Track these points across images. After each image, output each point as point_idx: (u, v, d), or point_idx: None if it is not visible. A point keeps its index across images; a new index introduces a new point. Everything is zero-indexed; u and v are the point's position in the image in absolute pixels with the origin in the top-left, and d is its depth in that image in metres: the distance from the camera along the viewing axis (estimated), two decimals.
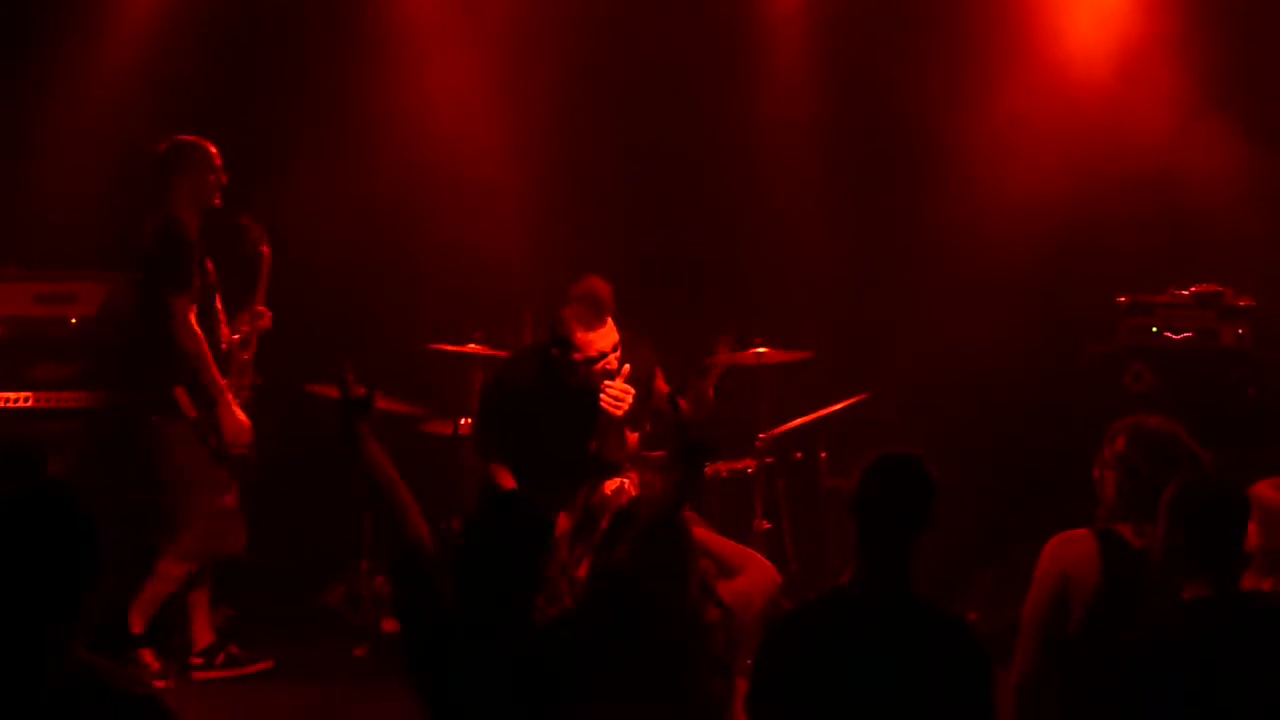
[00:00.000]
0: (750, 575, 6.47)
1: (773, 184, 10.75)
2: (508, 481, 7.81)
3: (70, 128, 10.10)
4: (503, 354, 9.13)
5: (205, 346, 8.31)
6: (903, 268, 10.48)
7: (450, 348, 9.24)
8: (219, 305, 8.54)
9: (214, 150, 8.57)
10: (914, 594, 4.94)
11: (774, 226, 10.71)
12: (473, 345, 9.22)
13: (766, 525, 9.04)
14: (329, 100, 10.51)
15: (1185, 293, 9.25)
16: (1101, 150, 10.15)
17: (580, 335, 7.71)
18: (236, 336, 8.64)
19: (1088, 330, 9.52)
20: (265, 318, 8.73)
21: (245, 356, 8.65)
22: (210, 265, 8.53)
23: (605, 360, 7.74)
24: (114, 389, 9.17)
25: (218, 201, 8.53)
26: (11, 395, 9.11)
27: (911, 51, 10.47)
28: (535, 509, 5.24)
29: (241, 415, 8.42)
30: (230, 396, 8.39)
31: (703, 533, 7.51)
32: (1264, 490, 6.05)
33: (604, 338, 7.73)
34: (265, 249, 8.68)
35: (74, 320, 9.25)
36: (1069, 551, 5.66)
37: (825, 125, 10.67)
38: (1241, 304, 9.22)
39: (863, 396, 9.20)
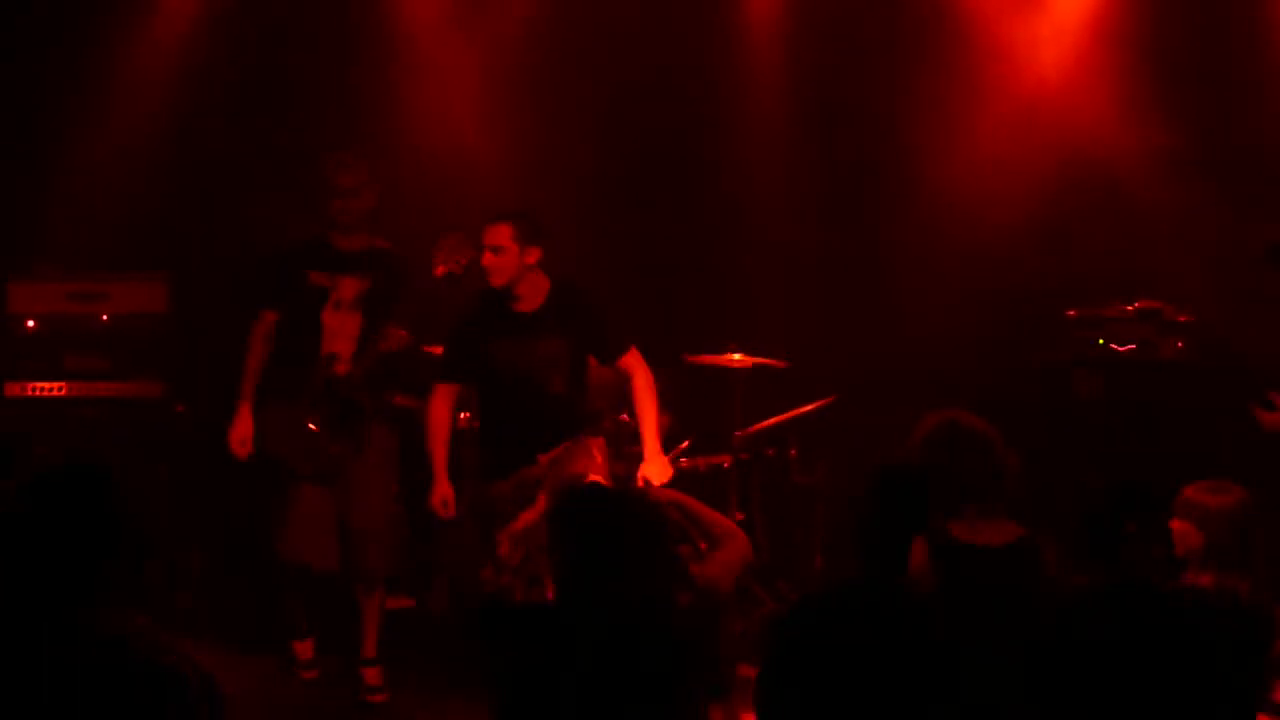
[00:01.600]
0: (726, 551, 6.55)
1: (747, 194, 10.95)
2: (439, 404, 8.29)
3: (105, 133, 10.42)
4: None
5: (251, 358, 8.47)
6: (871, 277, 10.70)
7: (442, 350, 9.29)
8: (326, 319, 8.45)
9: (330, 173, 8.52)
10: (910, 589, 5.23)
11: (750, 236, 10.92)
12: None
13: (740, 516, 9.35)
14: (343, 110, 10.76)
15: (1129, 308, 9.58)
16: (1059, 169, 10.37)
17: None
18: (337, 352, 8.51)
19: (1041, 340, 9.86)
20: (389, 339, 8.43)
21: (339, 370, 8.45)
22: (326, 277, 8.47)
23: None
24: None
25: (341, 218, 8.47)
26: (47, 385, 9.63)
27: (882, 65, 10.66)
28: (619, 504, 5.48)
29: (243, 426, 8.41)
30: (245, 406, 8.43)
31: (686, 499, 8.01)
32: (1197, 493, 6.34)
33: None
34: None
35: (105, 317, 9.71)
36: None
37: (798, 137, 10.86)
38: (1180, 319, 9.54)
39: (830, 399, 9.55)
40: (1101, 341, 9.62)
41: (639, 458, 8.86)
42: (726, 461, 9.55)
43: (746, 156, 10.99)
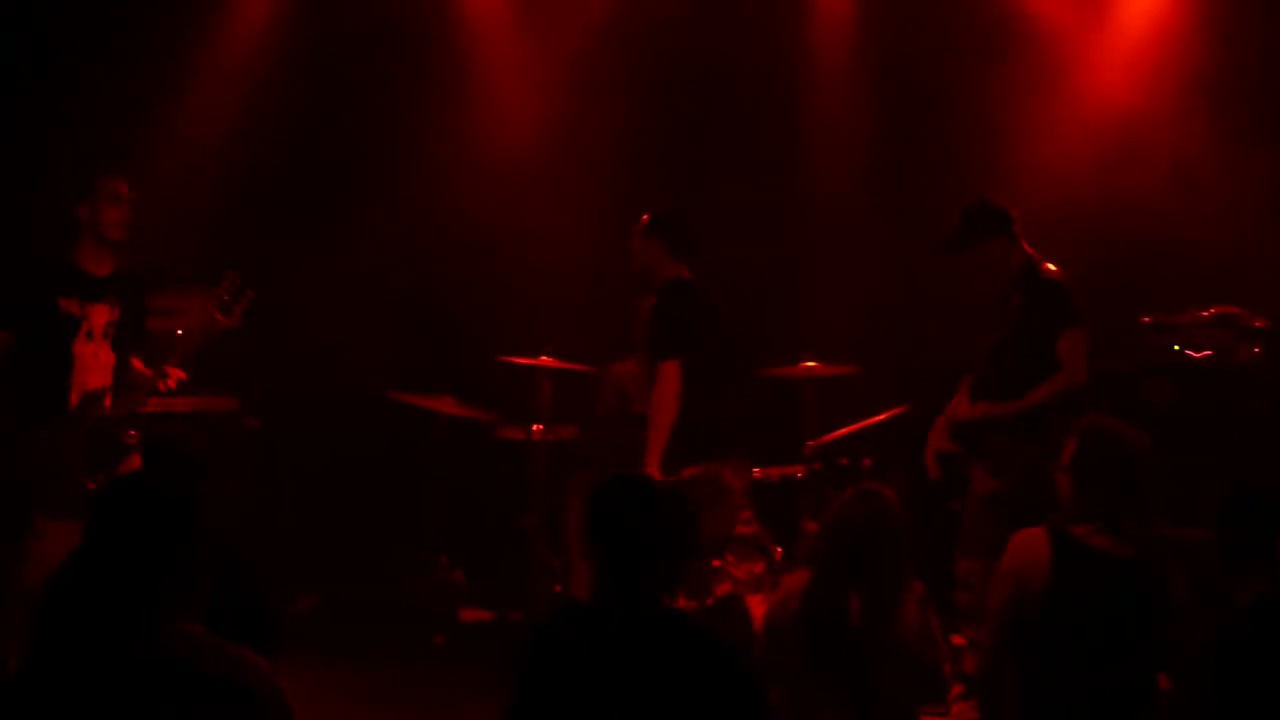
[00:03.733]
0: None
1: (822, 201, 10.91)
2: None
3: (181, 146, 10.51)
4: (570, 366, 9.63)
5: None
6: (946, 283, 10.20)
7: (522, 360, 9.62)
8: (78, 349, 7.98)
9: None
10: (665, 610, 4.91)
11: (824, 245, 10.87)
12: (543, 358, 9.58)
13: (813, 526, 9.17)
14: (416, 122, 10.89)
15: (1204, 313, 9.44)
16: (1135, 173, 10.28)
17: None
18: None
19: (1110, 348, 9.45)
20: (170, 380, 8.08)
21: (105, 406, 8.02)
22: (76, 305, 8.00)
23: None
24: None
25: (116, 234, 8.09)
26: None
27: (957, 68, 10.63)
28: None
29: None
30: None
31: None
32: None
33: None
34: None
35: (180, 332, 9.78)
36: (1025, 550, 5.77)
37: (870, 141, 10.85)
38: (1257, 324, 9.41)
39: (903, 409, 9.52)
40: (1176, 348, 9.50)
41: None
42: (800, 471, 9.57)
43: (819, 162, 10.98)
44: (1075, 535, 5.79)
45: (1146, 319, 9.62)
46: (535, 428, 9.65)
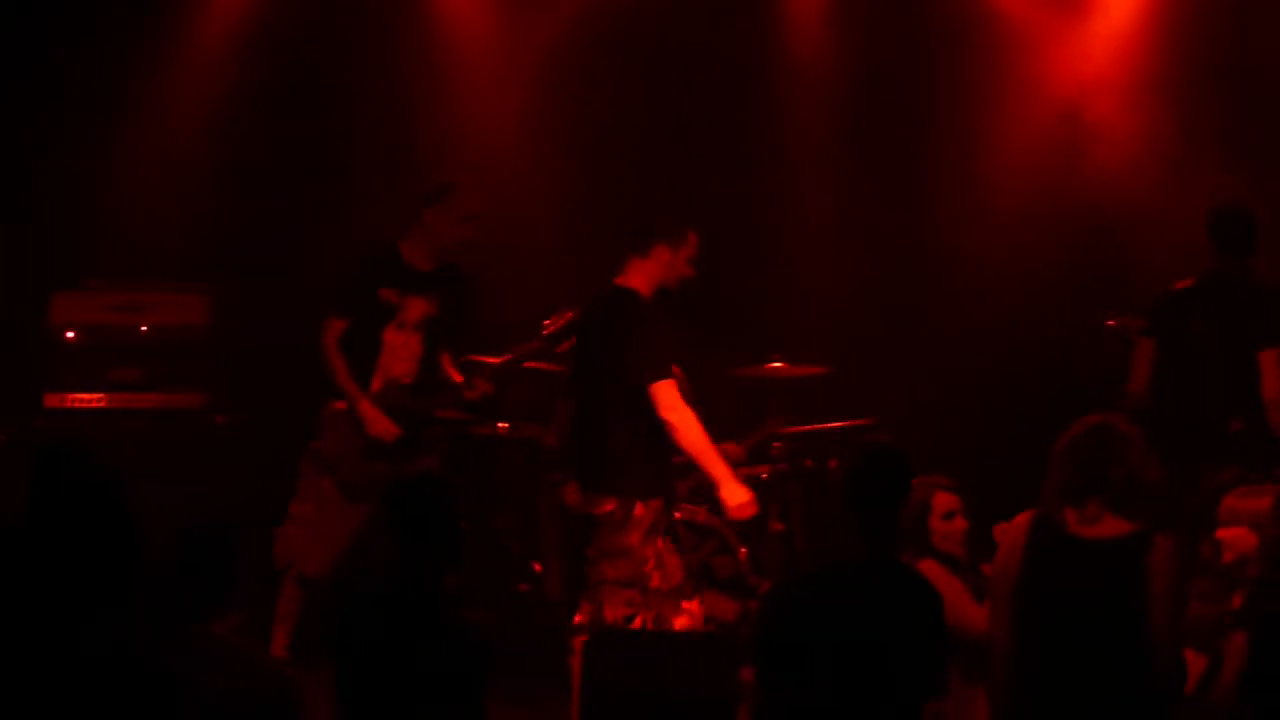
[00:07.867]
0: None
1: (792, 201, 10.95)
2: None
3: (148, 144, 10.50)
4: (541, 366, 9.36)
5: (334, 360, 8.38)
6: (918, 286, 10.77)
7: (491, 359, 9.20)
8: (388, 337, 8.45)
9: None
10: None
11: (793, 245, 10.90)
12: (507, 356, 9.14)
13: (780, 527, 9.49)
14: (389, 117, 10.91)
15: None
16: (1107, 167, 10.47)
17: None
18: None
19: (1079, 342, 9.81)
20: (476, 390, 8.51)
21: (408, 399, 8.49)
22: (396, 294, 8.41)
23: None
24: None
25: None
26: (86, 396, 9.62)
27: (930, 61, 10.76)
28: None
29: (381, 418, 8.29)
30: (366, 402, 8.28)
31: None
32: (1241, 500, 6.57)
33: None
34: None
35: (144, 328, 9.73)
36: (1012, 531, 6.10)
37: (843, 143, 10.87)
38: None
39: (868, 420, 9.46)
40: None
41: None
42: (765, 472, 9.52)
43: (790, 159, 11.03)
44: (1052, 519, 6.03)
45: (1112, 322, 9.40)
46: (501, 426, 9.60)
